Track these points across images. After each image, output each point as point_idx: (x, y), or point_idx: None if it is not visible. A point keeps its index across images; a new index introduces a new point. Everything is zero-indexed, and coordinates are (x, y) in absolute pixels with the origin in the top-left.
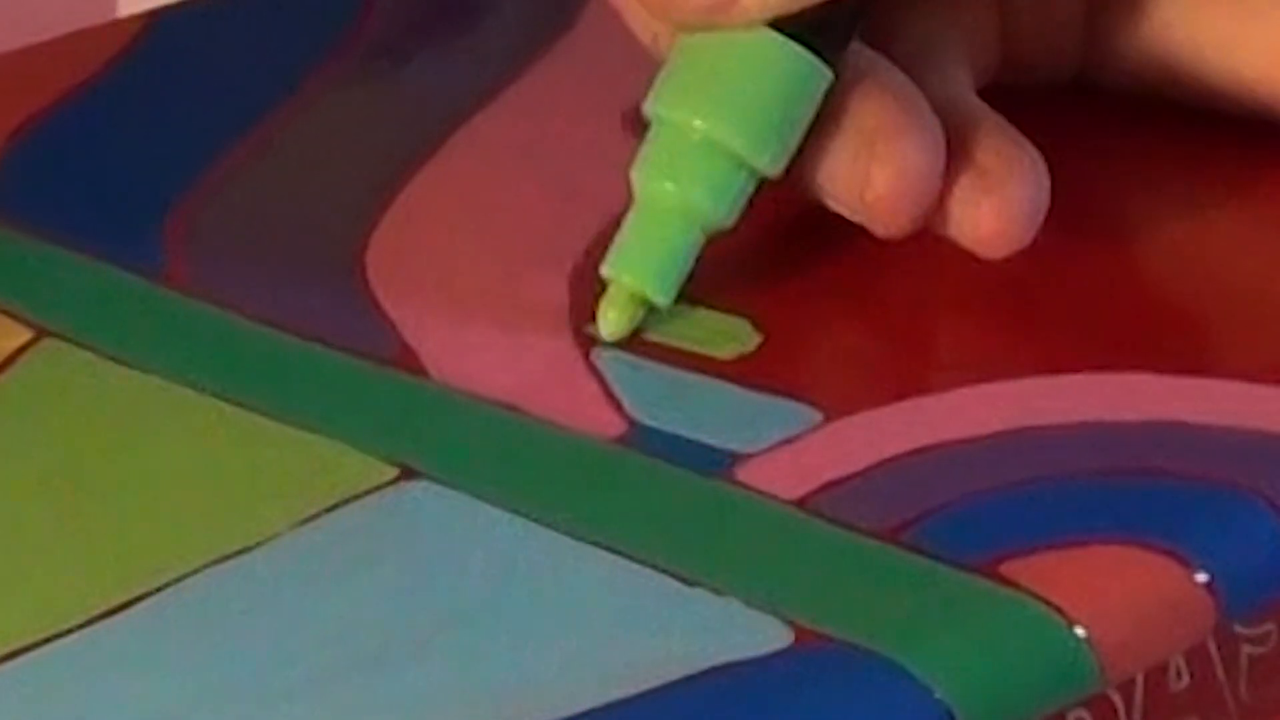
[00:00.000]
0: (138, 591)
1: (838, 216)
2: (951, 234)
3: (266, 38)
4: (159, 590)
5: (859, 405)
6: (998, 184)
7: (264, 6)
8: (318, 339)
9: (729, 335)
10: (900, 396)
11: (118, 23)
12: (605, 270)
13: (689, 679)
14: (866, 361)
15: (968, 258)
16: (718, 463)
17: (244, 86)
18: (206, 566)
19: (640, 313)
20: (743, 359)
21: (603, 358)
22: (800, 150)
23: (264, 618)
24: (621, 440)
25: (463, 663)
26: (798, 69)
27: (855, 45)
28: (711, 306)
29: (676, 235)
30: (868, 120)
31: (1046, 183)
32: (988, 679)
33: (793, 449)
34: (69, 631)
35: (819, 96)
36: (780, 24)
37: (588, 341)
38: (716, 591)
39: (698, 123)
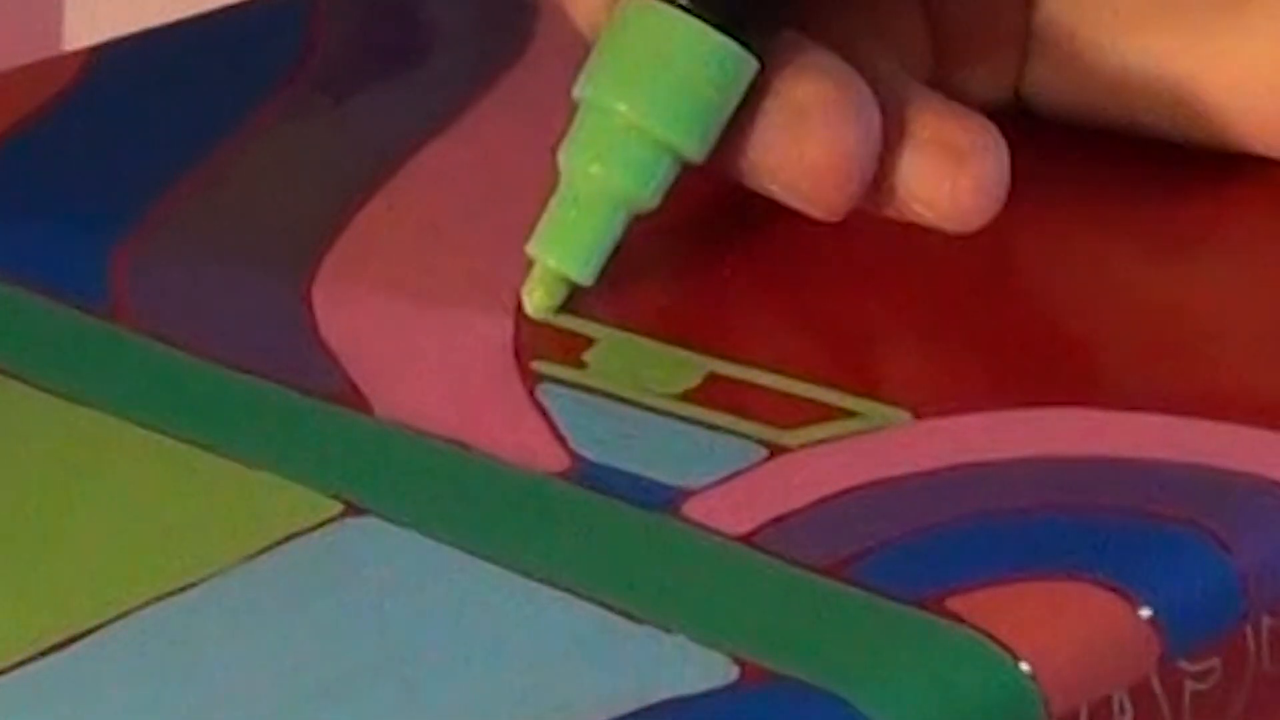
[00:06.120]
0: (79, 628)
1: (787, 250)
2: (919, 212)
3: (212, 72)
4: (101, 627)
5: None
6: (970, 158)
7: (210, 40)
8: (263, 374)
9: (674, 370)
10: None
11: (63, 57)
12: (530, 249)
13: (635, 715)
14: (811, 397)
15: (915, 289)
16: (663, 498)
17: (190, 121)
18: (150, 603)
19: (564, 292)
20: (687, 394)
21: (548, 393)
22: (732, 133)
23: (207, 654)
24: (566, 476)
25: (407, 699)
26: (722, 56)
27: (789, 33)
28: (656, 341)
29: (601, 218)
30: (799, 95)
31: (1007, 154)
32: (933, 714)
33: (738, 484)
34: (8, 669)
35: (744, 83)
36: (707, 11)
37: (533, 377)
38: (662, 627)
39: (623, 108)
